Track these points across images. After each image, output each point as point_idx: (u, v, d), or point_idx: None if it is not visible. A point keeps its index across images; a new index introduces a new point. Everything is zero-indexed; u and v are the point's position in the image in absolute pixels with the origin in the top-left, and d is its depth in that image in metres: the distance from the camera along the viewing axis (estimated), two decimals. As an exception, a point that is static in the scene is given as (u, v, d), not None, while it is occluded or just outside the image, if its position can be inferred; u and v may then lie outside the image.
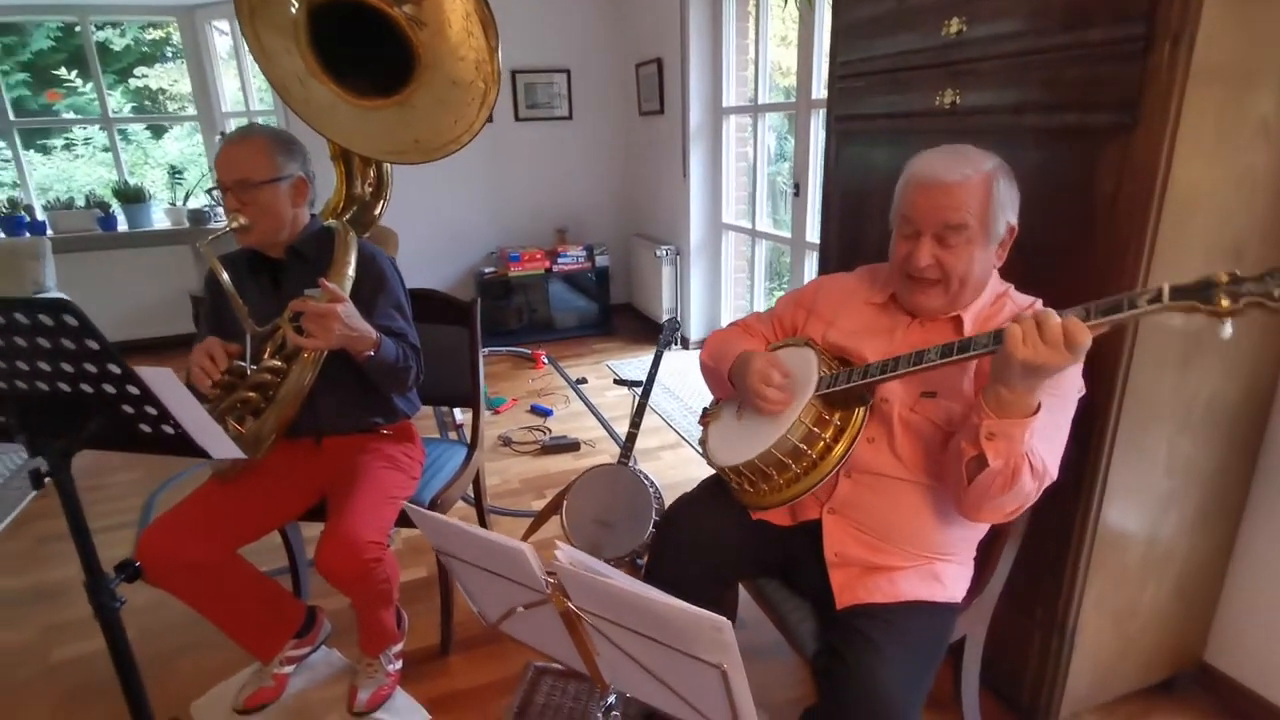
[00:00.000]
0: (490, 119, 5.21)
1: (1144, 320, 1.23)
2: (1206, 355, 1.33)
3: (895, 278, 1.22)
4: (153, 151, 5.49)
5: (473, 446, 2.02)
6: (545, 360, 4.18)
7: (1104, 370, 1.28)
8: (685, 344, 4.40)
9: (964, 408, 1.13)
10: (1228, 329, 0.82)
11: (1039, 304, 1.17)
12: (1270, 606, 1.54)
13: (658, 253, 4.32)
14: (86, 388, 1.04)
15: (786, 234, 3.54)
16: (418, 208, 4.57)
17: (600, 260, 4.69)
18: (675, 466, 2.89)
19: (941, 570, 1.20)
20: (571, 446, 3.03)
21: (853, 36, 1.79)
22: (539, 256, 4.54)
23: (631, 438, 2.20)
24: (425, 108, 1.73)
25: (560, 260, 4.60)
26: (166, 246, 4.54)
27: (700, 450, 1.34)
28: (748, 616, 1.93)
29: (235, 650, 1.70)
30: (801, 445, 1.13)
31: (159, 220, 4.74)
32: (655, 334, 2.46)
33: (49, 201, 4.60)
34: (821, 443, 1.13)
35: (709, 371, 1.38)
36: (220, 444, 1.10)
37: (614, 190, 5.05)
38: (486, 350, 4.44)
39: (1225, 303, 0.81)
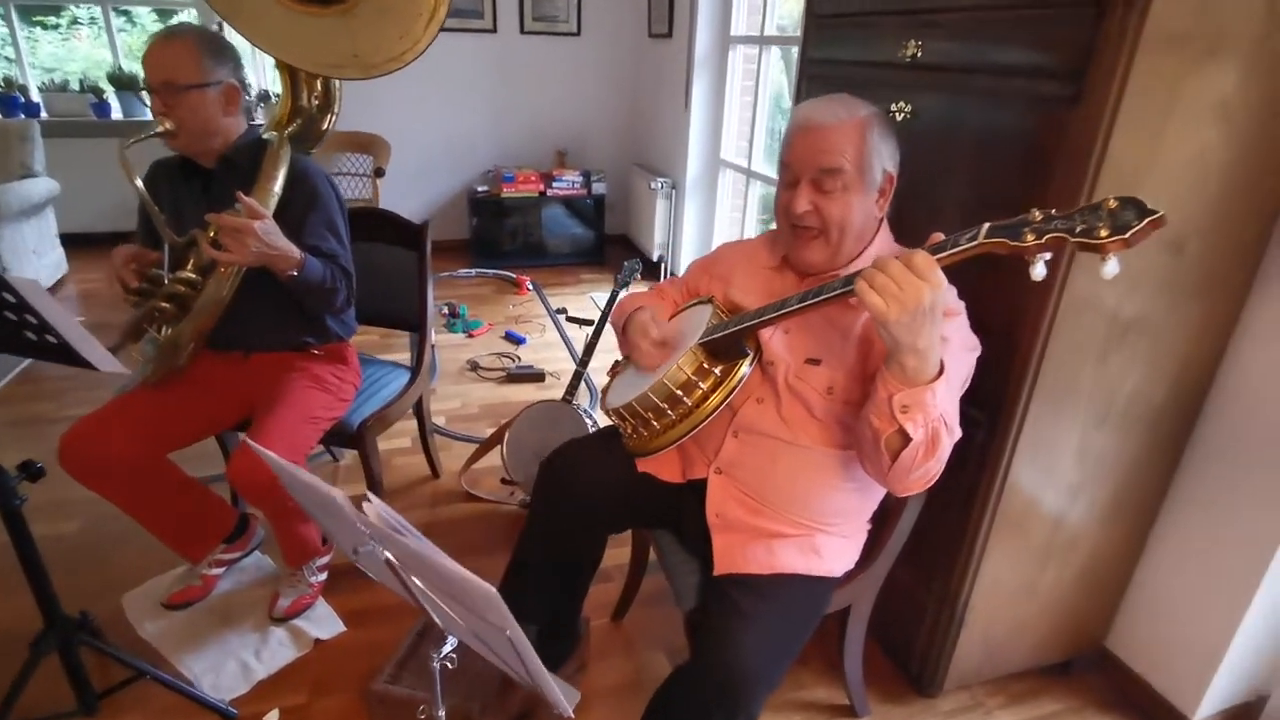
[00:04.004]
0: (494, 29, 4.86)
1: (1062, 307, 1.19)
2: (1128, 348, 1.27)
3: (783, 235, 1.21)
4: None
5: (415, 373, 2.03)
6: (529, 286, 4.14)
7: (1016, 357, 1.24)
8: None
9: (846, 376, 1.14)
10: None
11: None
12: (1176, 600, 1.53)
13: (652, 185, 4.20)
14: (-34, 292, 1.04)
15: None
16: (412, 118, 4.45)
17: (597, 188, 4.58)
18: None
19: (822, 543, 1.20)
20: (537, 377, 3.03)
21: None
22: (533, 179, 4.44)
23: (578, 375, 2.20)
24: (367, 17, 1.64)
25: (555, 184, 4.49)
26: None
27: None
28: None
29: (176, 547, 1.75)
30: (679, 392, 1.14)
31: (155, 111, 4.66)
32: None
33: (44, 83, 4.52)
34: (699, 391, 1.14)
35: (616, 329, 1.41)
36: (101, 357, 1.11)
37: (618, 115, 4.88)
38: (473, 271, 4.41)
39: (1030, 238, 0.82)
